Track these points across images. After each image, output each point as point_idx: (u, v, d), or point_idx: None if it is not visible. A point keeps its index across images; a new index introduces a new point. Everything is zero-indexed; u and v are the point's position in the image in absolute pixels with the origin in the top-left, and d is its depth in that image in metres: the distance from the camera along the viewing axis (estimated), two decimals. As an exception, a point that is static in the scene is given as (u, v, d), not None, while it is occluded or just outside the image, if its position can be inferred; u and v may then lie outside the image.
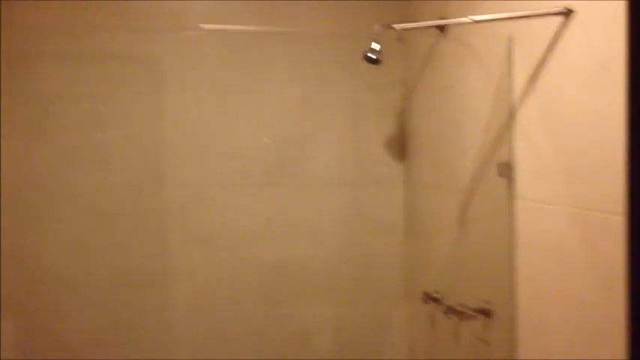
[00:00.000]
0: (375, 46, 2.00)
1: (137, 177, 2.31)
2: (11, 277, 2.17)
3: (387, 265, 2.49)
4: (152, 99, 2.31)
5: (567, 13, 1.40)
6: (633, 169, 1.18)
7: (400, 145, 2.45)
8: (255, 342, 2.41)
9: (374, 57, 2.02)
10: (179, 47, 2.30)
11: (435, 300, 2.11)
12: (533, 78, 1.55)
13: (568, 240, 1.45)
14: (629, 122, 1.18)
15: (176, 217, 2.34)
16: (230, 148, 2.38)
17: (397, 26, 2.00)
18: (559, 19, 1.43)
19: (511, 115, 1.65)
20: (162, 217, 2.33)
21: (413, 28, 1.94)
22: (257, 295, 2.41)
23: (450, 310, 1.95)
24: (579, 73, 1.39)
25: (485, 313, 1.82)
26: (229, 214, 2.39)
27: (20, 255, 2.21)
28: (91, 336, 2.28)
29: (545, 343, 1.57)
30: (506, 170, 1.66)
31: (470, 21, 1.64)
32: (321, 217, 2.46)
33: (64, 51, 2.23)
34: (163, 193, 2.33)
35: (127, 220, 2.29)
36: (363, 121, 2.46)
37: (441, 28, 1.99)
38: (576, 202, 1.41)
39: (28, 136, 2.21)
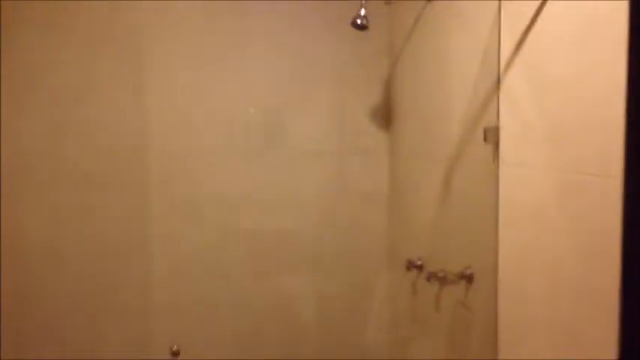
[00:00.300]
0: (363, 11, 1.99)
1: (120, 146, 2.29)
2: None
3: (371, 234, 2.50)
4: (135, 67, 2.28)
5: (556, -24, 1.40)
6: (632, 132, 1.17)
7: (385, 114, 2.45)
8: (237, 310, 2.42)
9: (361, 23, 2.02)
10: (162, 14, 2.27)
11: (418, 267, 2.13)
12: (520, 42, 1.55)
13: (551, 203, 1.46)
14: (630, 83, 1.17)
15: (159, 186, 2.32)
16: (214, 116, 2.36)
17: (385, -10, 2.00)
18: (548, -18, 1.42)
19: (497, 80, 1.65)
20: (145, 185, 2.32)
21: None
22: (240, 263, 2.42)
23: (432, 277, 1.97)
24: (565, 37, 1.39)
25: (467, 278, 1.84)
26: (213, 182, 2.38)
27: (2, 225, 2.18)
28: (72, 302, 2.27)
29: (525, 306, 1.59)
30: (493, 135, 1.66)
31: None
32: (305, 186, 2.46)
33: (43, 21, 2.18)
34: (147, 162, 2.31)
35: (109, 189, 2.28)
36: (348, 90, 2.45)
37: (430, -7, 1.99)
38: (560, 165, 1.42)
39: (8, 107, 2.17)
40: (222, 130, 2.37)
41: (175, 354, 2.25)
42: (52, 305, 2.26)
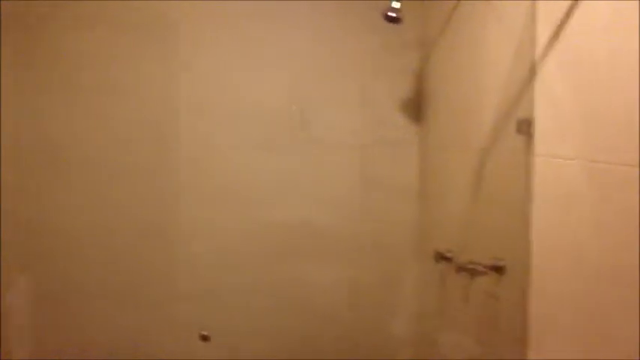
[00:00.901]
0: (396, 4, 1.98)
1: (151, 133, 2.33)
2: (24, 233, 2.23)
3: (401, 226, 2.50)
4: (169, 55, 2.31)
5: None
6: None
7: (417, 106, 2.44)
8: (265, 300, 2.44)
9: (394, 15, 2.01)
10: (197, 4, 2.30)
11: (448, 259, 2.13)
12: (556, 32, 1.54)
13: (586, 195, 1.45)
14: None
15: (189, 174, 2.36)
16: (243, 107, 2.38)
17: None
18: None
19: (532, 71, 1.64)
20: (175, 173, 2.35)
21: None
22: (268, 254, 2.44)
23: (462, 269, 1.96)
24: (603, 27, 1.37)
25: (498, 269, 1.83)
26: (242, 173, 2.41)
27: (31, 213, 2.25)
28: (99, 290, 2.32)
29: (557, 299, 1.58)
30: (526, 126, 1.65)
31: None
32: (333, 178, 2.47)
33: (76, 11, 2.23)
34: (177, 150, 2.35)
35: (139, 176, 2.33)
36: (379, 82, 2.45)
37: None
38: (596, 156, 1.41)
39: (41, 95, 2.22)
40: (253, 120, 2.39)
41: (205, 339, 2.28)
42: (79, 293, 2.31)
